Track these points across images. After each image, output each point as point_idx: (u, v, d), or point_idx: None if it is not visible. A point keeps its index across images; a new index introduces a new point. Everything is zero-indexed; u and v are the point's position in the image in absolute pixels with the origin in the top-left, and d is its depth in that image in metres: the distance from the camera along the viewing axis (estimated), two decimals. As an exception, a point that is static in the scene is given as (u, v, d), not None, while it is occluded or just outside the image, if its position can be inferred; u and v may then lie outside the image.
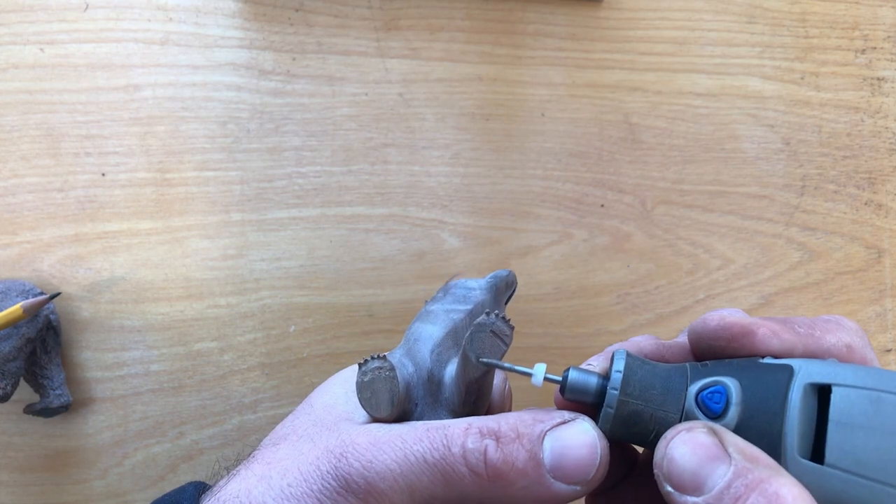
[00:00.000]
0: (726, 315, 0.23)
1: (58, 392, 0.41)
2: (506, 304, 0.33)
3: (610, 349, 0.25)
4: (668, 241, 0.47)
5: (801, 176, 0.48)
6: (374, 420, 0.24)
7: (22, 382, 0.42)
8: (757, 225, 0.48)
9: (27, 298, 0.40)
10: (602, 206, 0.47)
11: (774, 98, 0.48)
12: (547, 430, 0.22)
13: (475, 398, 0.25)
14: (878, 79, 0.49)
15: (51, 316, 0.41)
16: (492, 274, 0.31)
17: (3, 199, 0.43)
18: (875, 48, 0.49)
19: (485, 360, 0.24)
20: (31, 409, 0.41)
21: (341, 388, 0.27)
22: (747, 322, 0.23)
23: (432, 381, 0.26)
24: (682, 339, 0.26)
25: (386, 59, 0.45)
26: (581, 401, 0.23)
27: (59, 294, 0.42)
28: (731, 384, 0.21)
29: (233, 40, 0.44)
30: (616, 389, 0.22)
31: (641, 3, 0.47)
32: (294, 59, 0.45)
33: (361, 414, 0.25)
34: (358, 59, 0.45)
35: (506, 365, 0.24)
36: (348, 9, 0.45)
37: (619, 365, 0.23)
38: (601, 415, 0.22)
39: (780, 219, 0.48)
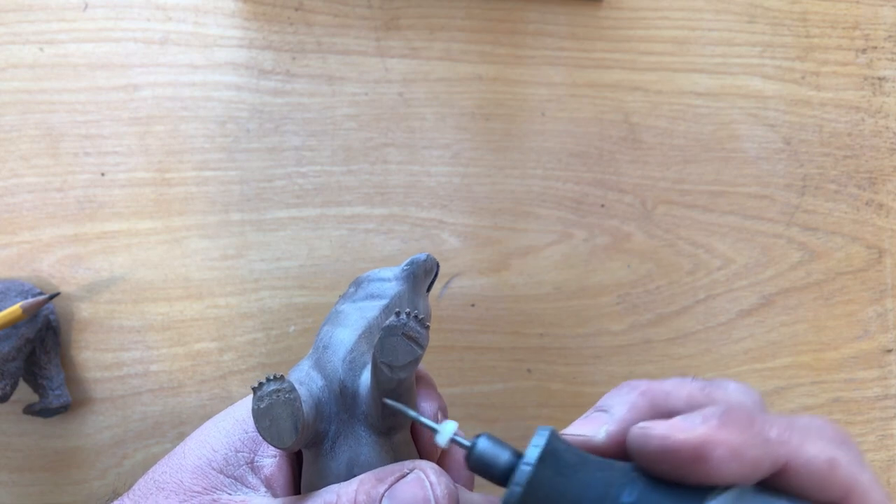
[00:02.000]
0: (674, 430, 0.18)
1: (57, 392, 0.41)
2: (428, 290, 0.30)
3: (595, 411, 0.22)
4: (668, 241, 0.47)
5: (801, 176, 0.48)
6: (279, 449, 0.22)
7: (21, 382, 0.42)
8: (758, 225, 0.48)
9: (26, 298, 0.40)
10: (602, 205, 0.47)
11: (775, 98, 0.48)
12: (384, 493, 0.21)
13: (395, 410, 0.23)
14: (879, 78, 0.49)
15: (50, 316, 0.41)
16: (408, 259, 0.28)
17: (3, 198, 0.43)
18: (876, 48, 0.49)
19: (389, 402, 0.21)
20: (30, 410, 0.41)
21: (221, 433, 0.25)
22: (699, 442, 0.18)
23: (346, 395, 0.23)
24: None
25: (386, 59, 0.45)
26: (488, 476, 0.20)
27: (58, 294, 0.42)
28: None
29: (232, 40, 0.44)
30: (529, 465, 0.19)
31: (642, 3, 0.47)
32: (294, 58, 0.45)
33: (240, 466, 0.23)
34: (358, 59, 0.45)
35: (411, 413, 0.21)
36: (348, 8, 0.45)
37: (539, 441, 0.19)
38: (506, 494, 0.19)
39: (780, 219, 0.48)
